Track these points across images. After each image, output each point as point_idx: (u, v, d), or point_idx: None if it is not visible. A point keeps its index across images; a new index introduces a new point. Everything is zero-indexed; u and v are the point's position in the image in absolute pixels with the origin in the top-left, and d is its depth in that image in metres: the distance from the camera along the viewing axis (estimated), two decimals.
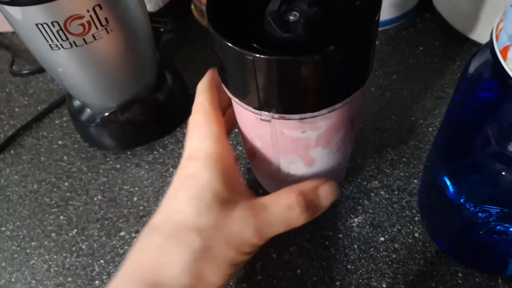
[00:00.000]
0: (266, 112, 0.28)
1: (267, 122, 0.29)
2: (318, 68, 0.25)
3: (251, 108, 0.29)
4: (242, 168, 0.48)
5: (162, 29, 0.57)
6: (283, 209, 0.30)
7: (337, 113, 0.29)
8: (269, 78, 0.26)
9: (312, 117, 0.28)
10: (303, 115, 0.28)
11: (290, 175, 0.36)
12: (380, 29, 0.60)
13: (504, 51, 0.25)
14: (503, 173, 0.29)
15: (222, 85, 0.31)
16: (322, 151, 0.33)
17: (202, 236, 0.28)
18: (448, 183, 0.35)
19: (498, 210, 0.31)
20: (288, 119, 0.28)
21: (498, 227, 0.33)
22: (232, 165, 0.32)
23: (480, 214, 0.32)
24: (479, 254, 0.37)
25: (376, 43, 0.30)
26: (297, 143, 0.32)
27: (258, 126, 0.31)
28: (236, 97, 0.29)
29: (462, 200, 0.33)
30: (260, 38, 0.26)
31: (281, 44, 0.25)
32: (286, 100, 0.27)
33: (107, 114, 0.48)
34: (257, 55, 0.24)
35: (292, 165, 0.35)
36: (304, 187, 0.31)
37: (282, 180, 0.37)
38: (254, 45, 0.25)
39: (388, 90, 0.53)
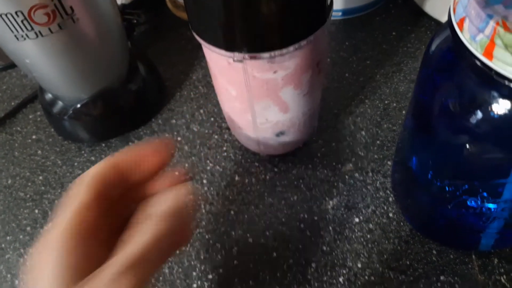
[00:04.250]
0: (237, 53, 0.30)
1: (239, 66, 0.32)
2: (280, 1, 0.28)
3: (223, 52, 0.31)
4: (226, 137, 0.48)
5: (135, 21, 0.57)
6: None
7: (303, 52, 0.32)
8: (238, 14, 0.28)
9: (280, 55, 0.30)
10: (272, 53, 0.30)
11: (268, 122, 0.38)
12: (353, 15, 0.60)
13: (461, 23, 0.25)
14: (467, 145, 0.29)
15: (195, 35, 0.33)
16: (293, 93, 0.35)
17: None
18: (416, 161, 0.35)
19: (464, 183, 0.32)
20: (258, 59, 0.30)
21: (467, 201, 0.33)
22: None
23: (447, 188, 0.33)
24: (451, 231, 0.37)
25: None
26: (268, 86, 0.34)
27: (232, 72, 0.33)
28: (209, 43, 0.31)
29: (429, 176, 0.33)
30: None
31: None
32: (255, 38, 0.29)
33: (79, 106, 0.47)
34: None
35: (267, 112, 0.37)
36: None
37: (261, 129, 0.39)
38: None
39: (362, 75, 0.54)
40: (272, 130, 0.40)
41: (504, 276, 0.37)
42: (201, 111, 0.53)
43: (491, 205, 0.32)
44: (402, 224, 0.41)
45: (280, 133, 0.41)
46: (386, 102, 0.50)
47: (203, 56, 0.42)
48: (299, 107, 0.38)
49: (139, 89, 0.50)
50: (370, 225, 0.41)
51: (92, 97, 0.47)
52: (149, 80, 0.52)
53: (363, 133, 0.48)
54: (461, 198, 0.33)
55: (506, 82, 0.24)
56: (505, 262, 0.38)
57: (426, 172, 0.34)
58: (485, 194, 0.31)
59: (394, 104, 0.50)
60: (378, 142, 0.47)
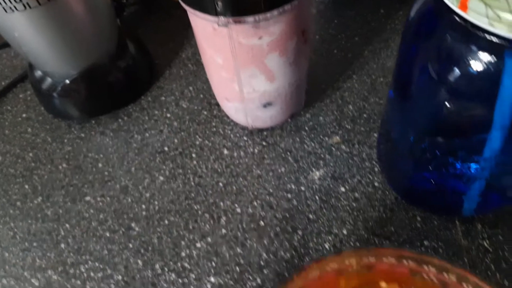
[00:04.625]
0: (222, 17, 0.31)
1: (225, 32, 0.32)
2: None
3: (208, 16, 0.31)
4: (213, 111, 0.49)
5: (125, 0, 0.57)
6: None
7: (287, 18, 0.32)
8: None
9: (265, 19, 0.31)
10: (256, 17, 0.31)
11: (254, 92, 0.39)
12: None
13: None
14: (446, 103, 0.29)
15: (180, 1, 0.33)
16: (278, 60, 0.36)
17: None
18: (399, 127, 0.36)
19: (445, 143, 0.32)
20: (243, 23, 0.31)
21: (448, 162, 0.34)
22: None
23: (428, 150, 0.33)
24: (434, 196, 0.38)
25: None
26: (254, 52, 0.34)
27: (217, 39, 0.34)
28: (194, 8, 0.32)
29: (411, 140, 0.34)
30: None
31: None
32: (238, 1, 0.30)
33: (68, 82, 0.48)
34: None
35: (254, 80, 0.37)
36: None
37: (248, 100, 0.40)
38: None
39: (350, 52, 0.54)
40: (259, 101, 0.41)
41: (487, 241, 0.38)
42: (191, 88, 0.53)
43: (472, 165, 0.32)
44: (387, 193, 0.41)
45: (267, 104, 0.41)
46: (373, 77, 0.51)
47: (193, 36, 0.42)
48: (285, 76, 0.38)
49: (128, 66, 0.50)
50: (356, 194, 0.42)
51: (81, 73, 0.47)
52: (139, 57, 0.52)
53: (350, 107, 0.48)
54: (442, 159, 0.33)
55: (481, 34, 0.24)
56: (488, 227, 0.39)
57: (408, 137, 0.34)
58: (465, 153, 0.32)
59: (381, 79, 0.50)
60: (365, 115, 0.48)
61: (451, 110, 0.29)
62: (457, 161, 0.32)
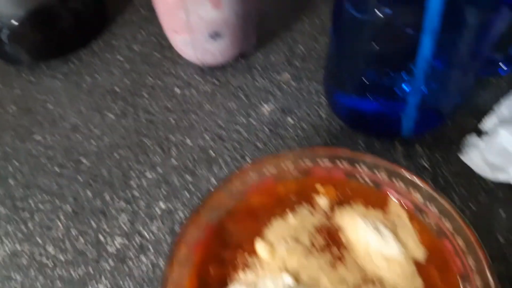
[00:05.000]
0: None
1: None
2: None
3: None
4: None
5: None
6: None
7: None
8: None
9: None
10: None
11: (201, 20, 0.39)
12: None
13: None
14: (377, 12, 0.30)
15: None
16: None
17: None
18: (340, 55, 0.37)
19: (379, 59, 0.33)
20: None
21: (385, 81, 0.35)
22: None
23: (366, 74, 0.34)
24: (375, 118, 0.39)
25: None
26: None
27: None
28: None
29: (352, 65, 0.35)
30: None
31: None
32: None
33: (16, 23, 0.47)
34: None
35: (200, 8, 0.38)
36: None
37: (195, 29, 0.40)
38: None
39: None
40: (207, 30, 0.41)
41: (427, 162, 0.40)
42: (143, 32, 0.53)
43: (407, 79, 0.34)
44: (333, 123, 0.43)
45: (215, 35, 0.42)
46: (323, 19, 0.52)
47: None
48: (232, 5, 0.39)
49: (78, 8, 0.49)
50: (303, 125, 0.43)
51: (28, 14, 0.46)
52: (89, 1, 0.51)
53: (301, 47, 0.49)
54: (379, 77, 0.35)
55: None
56: (427, 149, 0.40)
57: (348, 63, 0.36)
58: (400, 66, 0.33)
59: None
60: (314, 54, 0.49)
61: (384, 22, 0.31)
62: (394, 78, 0.34)
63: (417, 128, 0.38)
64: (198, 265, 0.29)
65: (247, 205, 0.31)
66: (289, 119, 0.43)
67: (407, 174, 0.30)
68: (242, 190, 0.31)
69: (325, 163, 0.31)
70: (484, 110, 0.41)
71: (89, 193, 0.40)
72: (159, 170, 0.41)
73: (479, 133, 0.39)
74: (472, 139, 0.38)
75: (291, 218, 0.31)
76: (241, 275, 0.29)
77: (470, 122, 0.42)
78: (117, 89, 0.47)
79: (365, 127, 0.40)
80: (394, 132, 0.39)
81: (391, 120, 0.38)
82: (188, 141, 0.42)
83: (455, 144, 0.40)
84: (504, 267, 0.35)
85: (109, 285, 0.35)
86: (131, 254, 0.36)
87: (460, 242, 0.28)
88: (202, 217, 0.29)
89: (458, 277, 0.28)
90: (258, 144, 0.41)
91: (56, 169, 0.42)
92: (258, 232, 0.30)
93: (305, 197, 0.32)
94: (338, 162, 0.31)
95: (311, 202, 0.31)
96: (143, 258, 0.36)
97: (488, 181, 0.39)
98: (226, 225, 0.31)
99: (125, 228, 0.38)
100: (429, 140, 0.41)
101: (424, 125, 0.39)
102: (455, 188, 0.38)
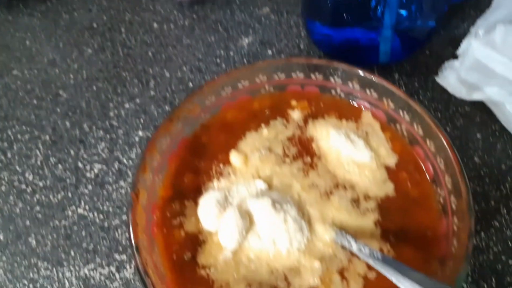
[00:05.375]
0: None
1: None
2: None
3: None
4: None
5: None
6: None
7: None
8: None
9: None
10: None
11: None
12: None
13: None
14: None
15: None
16: None
17: None
18: None
19: None
20: None
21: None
22: None
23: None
24: (353, 45, 0.39)
25: None
26: None
27: None
28: None
29: None
30: None
31: None
32: None
33: None
34: None
35: None
36: None
37: None
38: None
39: None
40: None
41: (404, 87, 0.40)
42: None
43: (380, 7, 0.33)
44: (311, 53, 0.43)
45: None
46: None
47: None
48: None
49: None
50: (282, 55, 0.43)
51: None
52: None
53: None
54: (354, 3, 0.35)
55: None
56: (405, 76, 0.41)
57: None
58: None
59: None
60: None
61: None
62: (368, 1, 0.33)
63: (394, 54, 0.39)
64: (173, 175, 0.29)
65: (222, 120, 0.32)
66: (269, 51, 0.43)
67: (380, 81, 0.30)
68: (216, 103, 0.31)
69: (300, 76, 0.31)
70: (461, 39, 0.41)
71: (67, 124, 0.40)
72: (138, 101, 0.41)
73: (456, 58, 0.39)
74: (449, 63, 0.38)
75: (265, 131, 0.31)
76: (215, 183, 0.29)
77: (448, 50, 0.42)
78: (95, 25, 0.47)
79: (344, 55, 0.40)
80: (372, 59, 0.39)
81: (368, 47, 0.38)
82: (166, 73, 0.42)
83: (433, 71, 0.40)
84: (481, 187, 0.35)
85: (88, 208, 0.35)
86: (110, 179, 0.36)
87: (432, 146, 0.28)
88: (175, 126, 0.29)
89: (429, 181, 0.29)
90: None
91: (35, 101, 0.41)
92: (232, 145, 0.31)
93: (280, 111, 0.32)
94: (312, 75, 0.31)
95: (285, 116, 0.32)
96: (122, 183, 0.36)
97: (464, 105, 0.39)
98: (200, 138, 0.31)
99: (104, 155, 0.38)
100: (407, 68, 0.41)
101: (401, 51, 0.39)
102: (432, 113, 0.38)
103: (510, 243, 0.33)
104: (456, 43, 0.40)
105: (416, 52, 0.41)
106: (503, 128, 0.38)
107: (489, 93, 0.33)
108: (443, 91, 0.39)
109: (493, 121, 0.38)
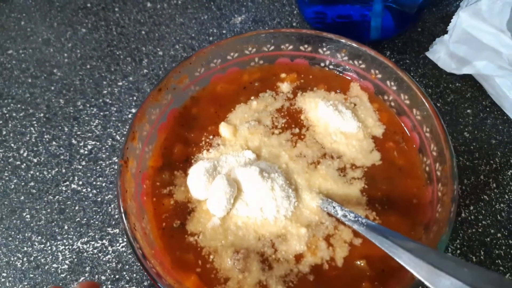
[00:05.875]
0: None
1: None
2: None
3: None
4: None
5: None
6: None
7: None
8: None
9: None
10: None
11: None
12: None
13: None
14: None
15: None
16: None
17: None
18: None
19: None
20: None
21: None
22: None
23: None
24: (345, 23, 0.39)
25: None
26: None
27: None
28: None
29: None
30: None
31: None
32: None
33: None
34: None
35: None
36: None
37: None
38: None
39: None
40: None
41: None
42: None
43: None
44: None
45: None
46: None
47: None
48: None
49: None
50: None
51: None
52: None
53: None
54: None
55: None
56: (396, 53, 0.41)
57: None
58: None
59: None
60: None
61: None
62: None
63: (385, 30, 0.39)
64: (163, 145, 0.30)
65: (211, 92, 0.32)
66: (261, 28, 0.43)
67: (369, 51, 0.30)
68: (206, 75, 0.31)
69: (289, 48, 0.32)
70: (452, 16, 0.41)
71: (61, 101, 0.40)
72: (131, 79, 0.41)
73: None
74: (439, 38, 0.38)
75: (254, 103, 0.31)
76: (205, 154, 0.29)
77: (439, 27, 0.42)
78: (89, 5, 0.47)
79: (336, 32, 0.40)
80: (364, 36, 0.39)
81: (360, 23, 0.38)
82: (159, 51, 0.42)
83: (424, 48, 0.40)
84: (470, 162, 0.35)
85: (81, 184, 0.36)
86: (103, 155, 0.37)
87: (418, 115, 0.28)
88: (164, 96, 0.29)
89: (415, 150, 0.29)
90: None
91: (29, 80, 0.42)
92: (222, 117, 0.31)
93: (269, 84, 0.32)
94: (301, 47, 0.31)
95: (274, 89, 0.32)
96: (115, 159, 0.37)
97: (455, 81, 0.39)
98: (190, 109, 0.31)
99: (97, 132, 0.38)
100: (398, 45, 0.41)
101: (392, 27, 0.39)
102: (423, 88, 0.38)
103: (499, 217, 0.33)
104: (448, 20, 0.40)
105: (407, 29, 0.41)
106: (493, 104, 0.38)
107: (478, 67, 0.34)
108: (434, 67, 0.39)
109: (484, 97, 0.38)
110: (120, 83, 0.41)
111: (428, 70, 0.40)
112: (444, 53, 0.36)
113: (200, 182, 0.27)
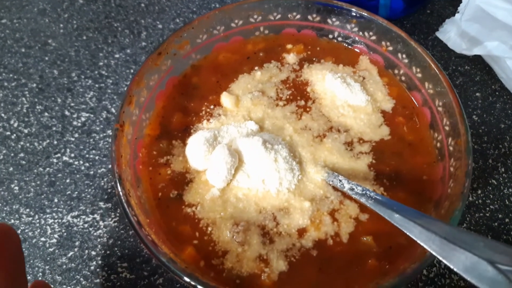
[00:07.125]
0: None
1: None
2: None
3: None
4: None
5: None
6: None
7: None
8: None
9: None
10: None
11: None
12: None
13: None
14: None
15: None
16: None
17: None
18: None
19: None
20: None
21: None
22: None
23: None
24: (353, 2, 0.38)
25: None
26: None
27: None
28: None
29: None
30: None
31: None
32: None
33: None
34: None
35: None
36: None
37: None
38: None
39: None
40: None
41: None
42: None
43: None
44: None
45: None
46: None
47: None
48: None
49: None
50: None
51: None
52: None
53: None
54: None
55: None
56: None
57: None
58: None
59: None
60: None
61: None
62: None
63: (393, 10, 0.37)
64: (161, 114, 0.28)
65: (213, 61, 0.30)
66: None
67: (381, 21, 0.28)
68: (208, 43, 0.30)
69: (296, 17, 0.30)
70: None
71: (55, 72, 0.38)
72: (128, 51, 0.39)
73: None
74: (450, 19, 0.36)
75: (258, 74, 0.30)
76: (205, 124, 0.28)
77: (448, 10, 0.41)
78: None
79: None
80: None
81: (367, 2, 0.37)
82: (159, 25, 0.41)
83: (433, 30, 0.39)
84: (479, 145, 0.34)
85: (73, 156, 0.34)
86: (97, 128, 0.35)
87: (431, 89, 0.27)
88: (163, 61, 0.28)
89: (426, 126, 0.28)
90: None
91: (23, 50, 0.40)
92: (224, 87, 0.29)
93: (274, 54, 0.31)
94: (309, 16, 0.30)
95: (279, 60, 0.31)
96: (109, 132, 0.35)
97: (464, 64, 0.38)
98: (191, 78, 0.30)
99: (91, 104, 0.37)
100: (407, 26, 0.40)
101: (401, 7, 0.37)
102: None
103: (507, 201, 0.32)
104: (457, 2, 0.39)
105: (417, 10, 0.40)
106: (503, 88, 0.37)
107: (489, 47, 0.32)
108: (443, 49, 0.38)
109: (494, 81, 0.37)
110: (117, 55, 0.39)
111: (437, 52, 0.38)
112: (454, 33, 0.35)
113: (200, 152, 0.26)
